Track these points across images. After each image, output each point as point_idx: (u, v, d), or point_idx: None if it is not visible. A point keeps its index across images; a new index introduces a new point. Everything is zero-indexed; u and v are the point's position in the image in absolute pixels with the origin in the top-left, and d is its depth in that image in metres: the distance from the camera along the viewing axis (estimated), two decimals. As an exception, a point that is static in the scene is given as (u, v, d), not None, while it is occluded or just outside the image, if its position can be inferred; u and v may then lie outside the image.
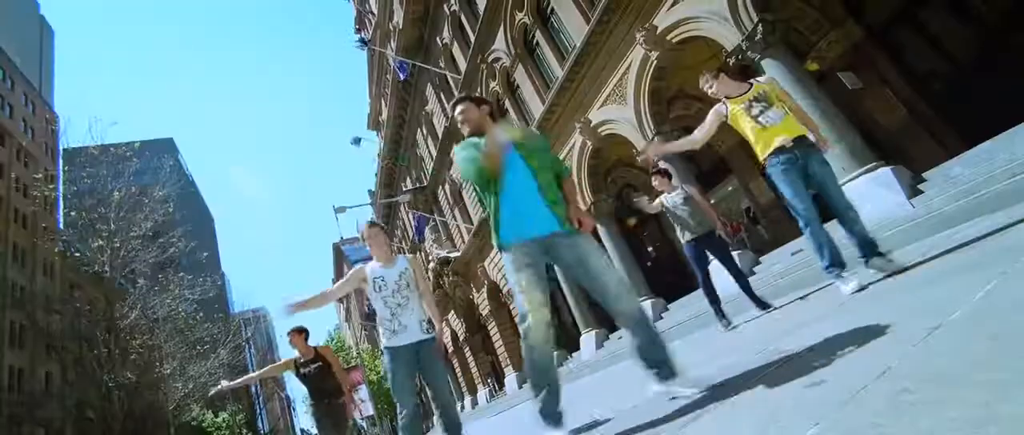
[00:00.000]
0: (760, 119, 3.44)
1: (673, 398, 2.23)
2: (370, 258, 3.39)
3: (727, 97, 3.62)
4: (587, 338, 13.13)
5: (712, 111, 3.69)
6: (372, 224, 3.40)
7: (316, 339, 5.71)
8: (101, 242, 23.58)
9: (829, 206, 3.40)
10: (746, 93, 3.55)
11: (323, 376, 5.20)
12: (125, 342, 23.04)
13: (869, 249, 3.32)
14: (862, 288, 3.17)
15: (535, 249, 2.27)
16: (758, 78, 3.72)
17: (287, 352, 5.55)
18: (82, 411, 23.95)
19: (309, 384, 5.26)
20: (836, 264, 3.43)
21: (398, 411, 3.15)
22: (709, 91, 3.71)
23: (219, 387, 5.78)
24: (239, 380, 5.88)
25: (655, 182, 5.24)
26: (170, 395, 26.05)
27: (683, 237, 4.97)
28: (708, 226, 4.85)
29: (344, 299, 53.99)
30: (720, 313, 4.87)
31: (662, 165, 5.45)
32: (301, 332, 5.31)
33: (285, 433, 74.24)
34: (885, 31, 10.06)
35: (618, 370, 6.85)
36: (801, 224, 3.46)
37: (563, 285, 13.13)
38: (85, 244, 25.19)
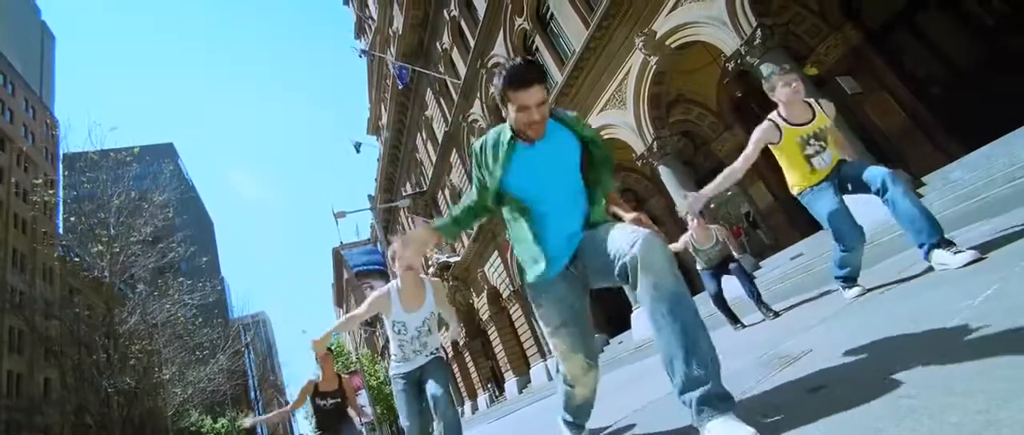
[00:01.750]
0: (814, 161, 2.99)
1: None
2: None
3: (786, 119, 3.04)
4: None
5: (760, 134, 3.08)
6: (409, 268, 3.03)
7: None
8: (101, 247, 23.56)
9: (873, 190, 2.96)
10: (808, 125, 3.00)
11: (339, 414, 4.85)
12: (124, 347, 22.96)
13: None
14: (863, 293, 3.15)
15: None
16: (820, 103, 3.08)
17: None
18: (81, 417, 23.82)
19: (324, 418, 4.86)
20: (850, 279, 3.28)
21: (406, 430, 3.10)
22: (777, 95, 3.05)
23: (250, 421, 5.48)
24: (268, 415, 5.53)
25: (699, 233, 4.82)
26: (169, 400, 25.96)
27: (699, 265, 4.98)
28: (725, 254, 4.93)
29: (343, 304, 53.89)
30: (732, 317, 4.91)
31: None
32: (327, 355, 4.88)
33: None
34: (884, 35, 10.11)
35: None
36: (840, 247, 3.12)
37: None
38: (84, 249, 25.16)
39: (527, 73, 1.69)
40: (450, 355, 27.00)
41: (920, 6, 9.57)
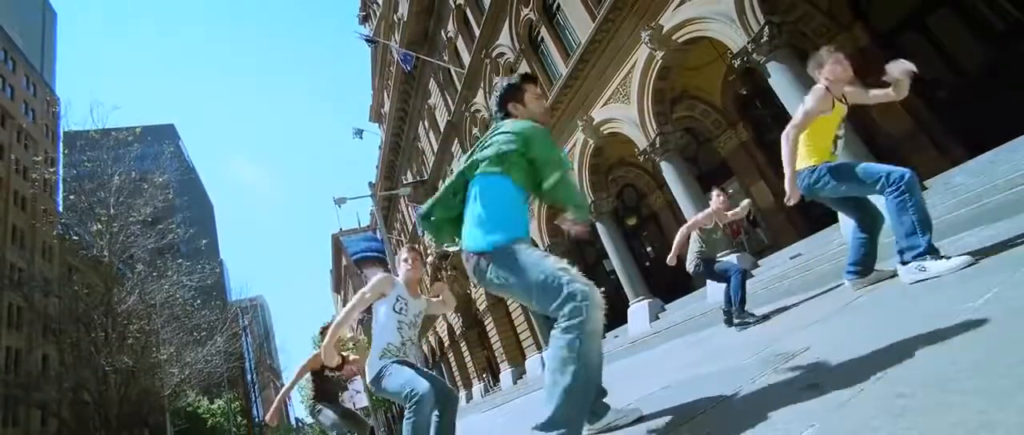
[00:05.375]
0: (838, 144, 3.10)
1: None
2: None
3: (842, 94, 3.07)
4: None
5: (815, 101, 3.01)
6: (413, 249, 3.23)
7: (313, 329, 5.41)
8: (100, 226, 23.57)
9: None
10: (845, 108, 3.11)
11: (339, 384, 5.21)
12: (122, 327, 23.07)
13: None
14: (872, 284, 3.16)
15: None
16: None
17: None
18: (78, 394, 23.99)
19: (324, 385, 5.02)
20: (863, 274, 3.24)
21: (422, 392, 2.51)
22: (826, 72, 3.04)
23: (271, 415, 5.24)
24: (282, 393, 5.54)
25: (723, 206, 4.89)
26: (166, 381, 26.10)
27: (694, 260, 4.89)
28: (724, 248, 4.90)
29: (342, 290, 54.03)
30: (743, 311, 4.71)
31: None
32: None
33: (280, 421, 74.47)
34: (892, 37, 10.03)
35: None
36: (859, 229, 3.14)
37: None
38: (84, 228, 25.19)
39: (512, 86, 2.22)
40: (446, 345, 27.15)
41: (930, 9, 9.49)
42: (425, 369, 2.93)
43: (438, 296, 3.29)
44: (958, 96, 9.33)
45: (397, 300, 2.91)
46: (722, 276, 4.74)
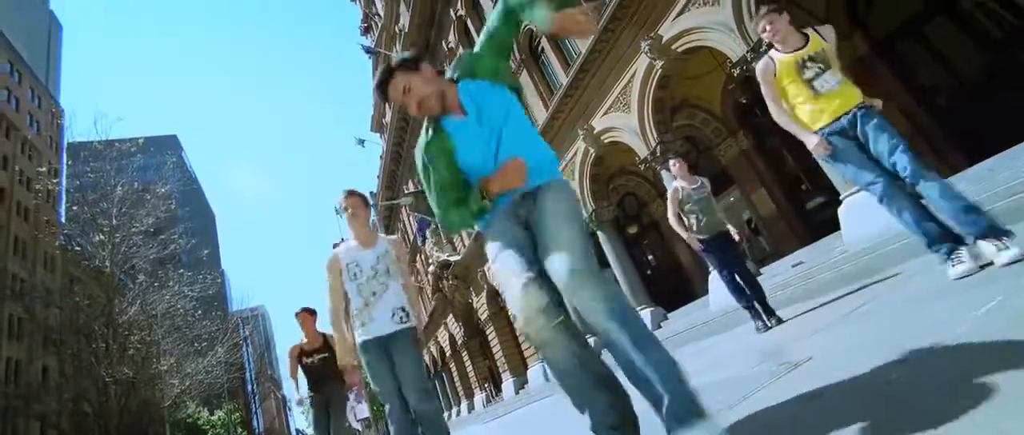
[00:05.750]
0: (816, 83, 2.80)
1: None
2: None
3: (780, 47, 2.93)
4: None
5: (759, 74, 3.01)
6: (352, 193, 2.92)
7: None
8: (102, 237, 23.62)
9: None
10: (801, 49, 2.86)
11: (326, 367, 4.79)
12: (123, 337, 23.02)
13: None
14: (981, 265, 2.52)
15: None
16: (817, 29, 2.93)
17: (285, 351, 5.02)
18: (79, 405, 23.88)
19: (311, 375, 4.87)
20: (945, 240, 2.64)
21: (386, 412, 2.83)
22: (766, 34, 2.94)
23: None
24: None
25: (682, 172, 4.72)
26: (166, 392, 26.02)
27: (695, 236, 4.53)
28: (722, 229, 4.54)
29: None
30: (756, 311, 4.35)
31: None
32: (311, 314, 4.89)
33: (280, 433, 73.95)
34: (890, 44, 10.08)
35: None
36: (878, 200, 2.76)
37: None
38: (86, 238, 25.25)
39: (380, 79, 1.76)
40: (448, 355, 27.00)
41: (928, 16, 9.55)
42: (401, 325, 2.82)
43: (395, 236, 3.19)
44: (956, 102, 9.35)
45: (347, 268, 2.83)
46: (723, 263, 4.49)
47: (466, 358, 24.33)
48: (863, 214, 5.51)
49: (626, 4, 9.90)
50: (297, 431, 70.29)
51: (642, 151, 10.39)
